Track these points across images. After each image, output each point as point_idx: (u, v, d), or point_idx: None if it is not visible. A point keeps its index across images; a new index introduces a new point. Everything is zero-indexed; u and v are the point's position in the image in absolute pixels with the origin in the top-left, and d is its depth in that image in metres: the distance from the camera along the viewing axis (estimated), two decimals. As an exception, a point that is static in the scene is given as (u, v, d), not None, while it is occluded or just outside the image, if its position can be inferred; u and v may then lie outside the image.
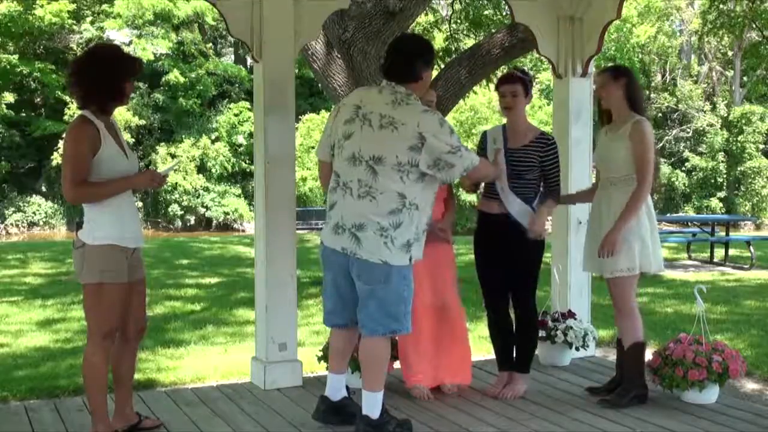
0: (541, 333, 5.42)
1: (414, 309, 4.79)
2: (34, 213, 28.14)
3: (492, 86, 17.45)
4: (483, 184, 4.90)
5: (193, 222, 30.04)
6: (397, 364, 5.08)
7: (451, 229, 5.04)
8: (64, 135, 3.69)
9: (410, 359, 4.88)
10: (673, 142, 30.84)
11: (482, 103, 25.45)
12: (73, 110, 26.64)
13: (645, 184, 4.58)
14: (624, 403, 4.63)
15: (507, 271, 4.81)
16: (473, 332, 7.12)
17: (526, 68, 5.20)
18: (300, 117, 26.27)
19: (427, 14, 15.48)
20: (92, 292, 3.80)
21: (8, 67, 26.55)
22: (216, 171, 29.24)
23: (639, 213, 4.60)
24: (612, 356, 5.11)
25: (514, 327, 4.95)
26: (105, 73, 3.78)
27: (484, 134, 4.98)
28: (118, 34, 29.41)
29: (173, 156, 28.32)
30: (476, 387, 5.05)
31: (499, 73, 15.34)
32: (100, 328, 3.83)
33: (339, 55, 10.45)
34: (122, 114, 26.83)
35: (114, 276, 3.79)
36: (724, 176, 30.00)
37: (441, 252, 4.86)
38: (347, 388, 4.43)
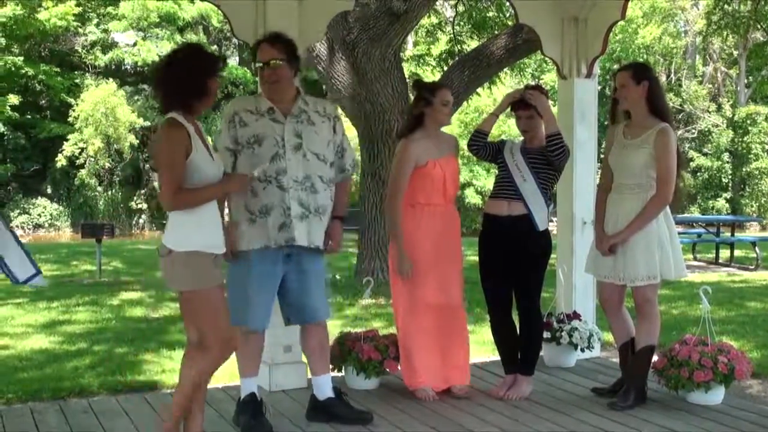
0: (546, 334, 5.42)
1: (418, 308, 4.80)
2: (39, 215, 28.16)
3: (495, 88, 17.46)
4: (493, 186, 4.95)
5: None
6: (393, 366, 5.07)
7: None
8: (149, 139, 3.54)
9: (414, 360, 4.86)
10: (678, 143, 30.72)
11: (487, 105, 25.41)
12: (77, 112, 26.69)
13: (665, 195, 4.54)
14: (628, 404, 4.62)
15: (512, 273, 4.81)
16: (477, 334, 7.11)
17: (540, 83, 5.21)
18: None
19: (430, 16, 15.49)
20: (191, 301, 3.65)
21: (13, 69, 26.58)
22: (220, 173, 29.25)
23: (658, 219, 4.56)
24: (617, 357, 5.10)
25: (518, 329, 4.95)
26: (187, 72, 3.62)
27: (503, 142, 5.04)
28: (123, 36, 29.45)
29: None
30: (481, 388, 5.04)
31: (503, 75, 15.39)
32: (216, 335, 3.67)
33: (343, 57, 10.45)
34: (127, 116, 26.88)
35: (208, 280, 3.64)
36: (730, 177, 29.93)
37: (446, 250, 4.85)
38: (336, 388, 4.46)
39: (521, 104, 4.82)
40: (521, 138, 5.00)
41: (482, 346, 6.57)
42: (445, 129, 5.00)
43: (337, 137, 4.39)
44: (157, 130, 3.82)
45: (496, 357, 5.17)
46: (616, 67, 22.65)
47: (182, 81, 3.61)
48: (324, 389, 4.43)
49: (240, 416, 4.34)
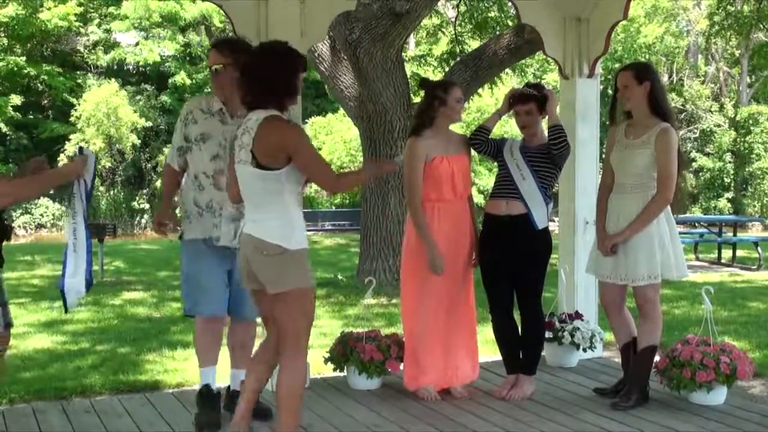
0: (548, 334, 5.42)
1: (427, 306, 4.79)
2: (41, 215, 28.18)
3: (497, 89, 17.44)
4: (493, 186, 4.95)
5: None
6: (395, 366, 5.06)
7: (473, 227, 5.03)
8: (273, 135, 3.49)
9: (420, 359, 4.86)
10: (680, 143, 30.66)
11: (489, 105, 25.42)
12: (79, 112, 26.70)
13: (666, 195, 4.53)
14: (630, 405, 4.62)
15: (513, 273, 4.81)
16: (479, 333, 7.09)
17: (541, 82, 5.22)
18: (307, 119, 26.29)
19: (431, 17, 15.50)
20: (300, 298, 3.56)
21: (15, 69, 26.62)
22: (222, 173, 29.26)
23: (659, 219, 4.55)
24: (619, 357, 5.10)
25: (520, 329, 4.94)
26: (282, 71, 3.62)
27: (503, 140, 5.04)
28: (125, 36, 29.48)
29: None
30: (483, 388, 5.04)
31: (504, 76, 15.42)
32: (307, 334, 3.65)
33: (345, 57, 10.45)
34: (129, 116, 26.88)
35: (312, 278, 3.67)
36: (732, 177, 29.90)
37: (458, 247, 4.85)
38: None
39: (520, 99, 4.83)
40: (521, 137, 5.00)
41: (483, 345, 6.55)
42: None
43: None
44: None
45: (498, 357, 5.17)
46: (618, 66, 22.62)
47: (278, 80, 3.60)
48: (235, 381, 4.49)
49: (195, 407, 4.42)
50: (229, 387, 4.58)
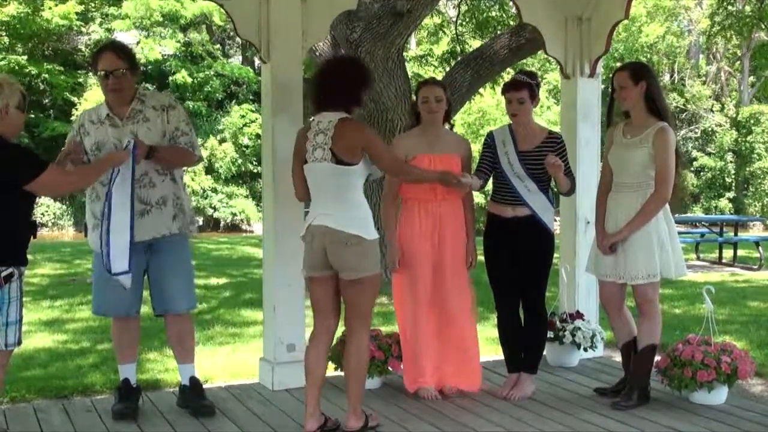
0: (549, 334, 5.41)
1: (416, 307, 4.79)
2: (42, 214, 28.20)
3: (498, 89, 17.43)
4: (492, 189, 4.92)
5: (201, 223, 30.09)
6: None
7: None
8: (350, 132, 3.99)
9: (418, 360, 4.86)
10: (681, 143, 30.72)
11: (490, 105, 25.40)
12: (80, 111, 26.67)
13: (663, 194, 4.53)
14: (631, 404, 4.62)
15: (517, 271, 4.80)
16: (480, 333, 7.10)
17: (533, 69, 5.20)
18: (308, 118, 26.27)
19: (433, 16, 15.49)
20: (373, 283, 4.02)
21: (17, 68, 26.59)
22: (223, 172, 29.28)
23: (657, 218, 4.56)
24: (620, 357, 5.10)
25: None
26: (353, 81, 4.07)
27: (491, 134, 4.97)
28: (126, 35, 29.46)
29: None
30: (484, 388, 5.04)
31: (506, 75, 15.42)
32: (373, 313, 4.14)
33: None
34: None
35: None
36: (733, 176, 29.89)
37: (444, 248, 4.82)
38: (193, 378, 4.68)
39: (512, 87, 4.77)
40: (508, 124, 4.93)
41: (483, 345, 6.55)
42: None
43: (170, 126, 4.44)
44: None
45: (499, 356, 5.17)
46: (618, 65, 22.63)
47: (346, 87, 4.04)
48: (182, 377, 4.69)
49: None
50: (180, 383, 4.73)
